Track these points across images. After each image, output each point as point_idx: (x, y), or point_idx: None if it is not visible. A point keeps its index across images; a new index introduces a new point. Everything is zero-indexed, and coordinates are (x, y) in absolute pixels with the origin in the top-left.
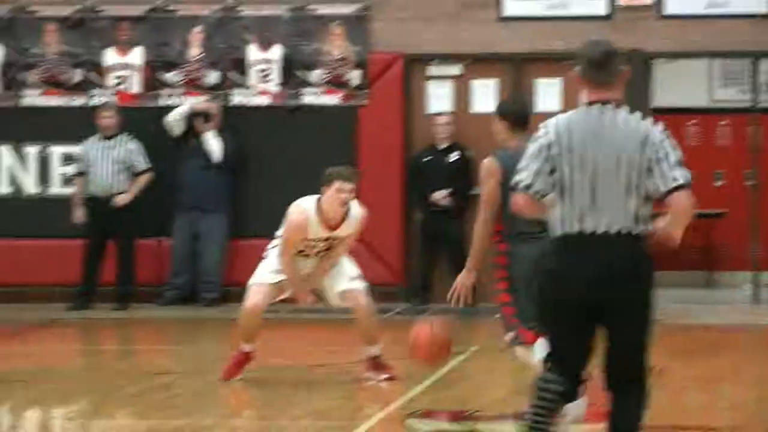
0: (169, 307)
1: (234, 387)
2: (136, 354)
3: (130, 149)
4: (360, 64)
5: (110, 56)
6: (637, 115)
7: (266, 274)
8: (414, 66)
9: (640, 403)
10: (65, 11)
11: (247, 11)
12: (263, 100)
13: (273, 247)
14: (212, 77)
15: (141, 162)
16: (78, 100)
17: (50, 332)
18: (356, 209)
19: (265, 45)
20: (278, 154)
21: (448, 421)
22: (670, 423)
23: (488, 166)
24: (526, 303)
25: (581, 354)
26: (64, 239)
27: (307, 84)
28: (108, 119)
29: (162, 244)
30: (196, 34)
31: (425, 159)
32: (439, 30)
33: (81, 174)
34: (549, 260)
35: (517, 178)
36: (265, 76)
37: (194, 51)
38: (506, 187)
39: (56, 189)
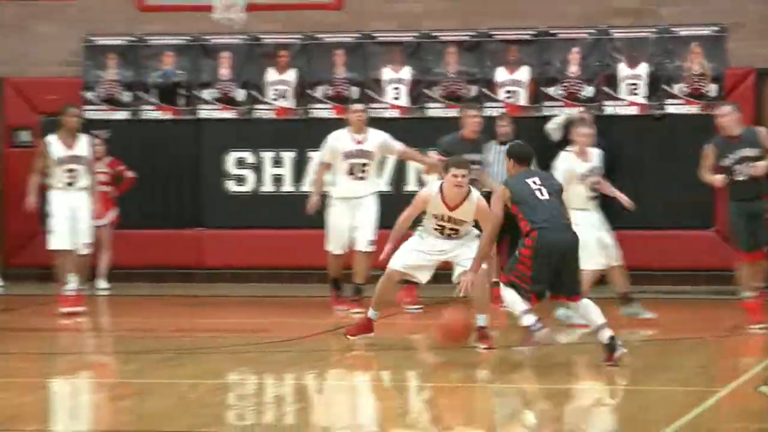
0: None
1: (589, 354)
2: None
3: None
4: (716, 79)
5: (501, 74)
6: None
7: (404, 253)
8: (765, 79)
9: None
10: (463, 36)
11: (617, 34)
12: (632, 111)
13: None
14: (588, 91)
15: None
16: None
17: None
18: (475, 196)
19: (634, 63)
20: (644, 156)
21: None
22: None
23: (501, 193)
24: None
25: None
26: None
27: (670, 96)
28: (504, 127)
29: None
30: (574, 54)
31: None
32: None
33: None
34: None
35: None
36: (633, 90)
37: (572, 68)
38: (517, 198)
39: None
